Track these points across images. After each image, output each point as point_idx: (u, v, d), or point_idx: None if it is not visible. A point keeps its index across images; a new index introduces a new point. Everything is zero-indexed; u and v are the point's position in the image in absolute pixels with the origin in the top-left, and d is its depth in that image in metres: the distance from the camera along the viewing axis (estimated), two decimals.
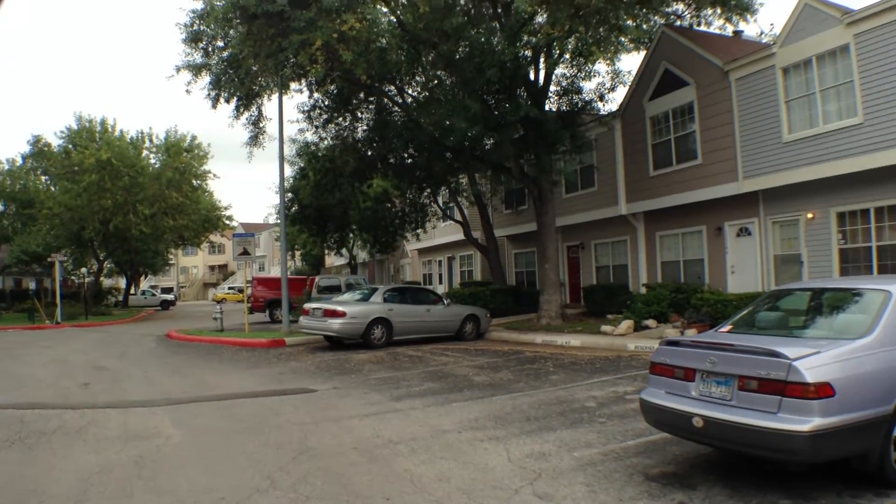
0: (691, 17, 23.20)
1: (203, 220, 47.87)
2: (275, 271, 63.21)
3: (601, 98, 23.50)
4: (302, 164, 35.14)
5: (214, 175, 64.85)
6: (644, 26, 19.35)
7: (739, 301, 16.64)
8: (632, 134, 23.84)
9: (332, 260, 63.25)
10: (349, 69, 18.55)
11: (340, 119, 27.03)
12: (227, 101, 23.15)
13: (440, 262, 43.10)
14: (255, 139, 25.59)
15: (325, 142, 29.27)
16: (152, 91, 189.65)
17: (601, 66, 28.67)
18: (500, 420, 9.26)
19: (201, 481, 6.85)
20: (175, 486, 6.73)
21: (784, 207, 18.74)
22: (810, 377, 5.32)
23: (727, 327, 7.38)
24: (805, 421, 5.28)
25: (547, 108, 22.53)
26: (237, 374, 15.03)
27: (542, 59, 22.02)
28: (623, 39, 19.08)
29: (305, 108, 26.46)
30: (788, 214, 18.65)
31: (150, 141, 44.08)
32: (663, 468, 6.81)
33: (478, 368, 14.60)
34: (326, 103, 26.02)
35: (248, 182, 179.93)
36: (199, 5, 21.04)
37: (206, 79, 22.56)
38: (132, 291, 60.67)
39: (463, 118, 19.45)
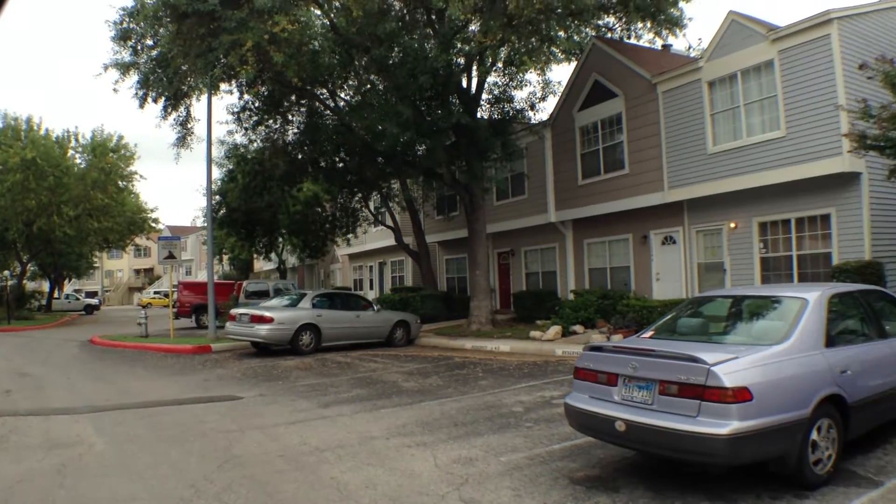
0: (622, 30, 23.69)
1: (128, 223, 46.59)
2: (202, 276, 62.08)
3: (532, 107, 23.78)
4: (231, 167, 34.55)
5: (141, 176, 63.18)
6: (575, 38, 19.62)
7: (664, 307, 16.99)
8: (562, 143, 24.18)
9: (261, 265, 62.31)
10: (280, 71, 18.36)
11: (271, 121, 26.66)
12: (155, 100, 22.61)
13: (371, 267, 42.91)
14: (182, 140, 25.03)
15: (255, 144, 28.85)
16: (79, 89, 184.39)
17: (532, 76, 29.05)
18: (428, 426, 9.27)
19: (124, 490, 6.73)
20: (97, 495, 6.60)
21: (708, 217, 19.26)
22: (728, 382, 5.47)
23: (649, 333, 7.53)
24: (724, 424, 5.42)
25: (479, 115, 22.66)
26: (162, 381, 14.76)
27: (474, 67, 22.17)
28: (555, 50, 19.33)
29: (235, 110, 26.01)
30: (712, 224, 19.17)
31: (77, 140, 42.72)
32: (588, 471, 6.90)
33: (407, 374, 14.59)
34: (257, 105, 25.64)
35: (176, 184, 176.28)
36: (130, 3, 20.52)
37: (134, 78, 21.98)
38: (56, 295, 58.67)
39: (395, 123, 19.43)
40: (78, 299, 61.18)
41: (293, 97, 25.42)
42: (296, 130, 27.40)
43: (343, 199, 34.51)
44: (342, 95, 25.66)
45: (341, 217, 36.56)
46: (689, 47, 25.56)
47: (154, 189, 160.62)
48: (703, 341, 6.93)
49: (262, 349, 19.81)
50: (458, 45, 20.34)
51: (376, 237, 38.50)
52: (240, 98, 25.37)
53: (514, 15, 17.06)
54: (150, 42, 21.67)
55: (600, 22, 22.65)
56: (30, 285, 57.96)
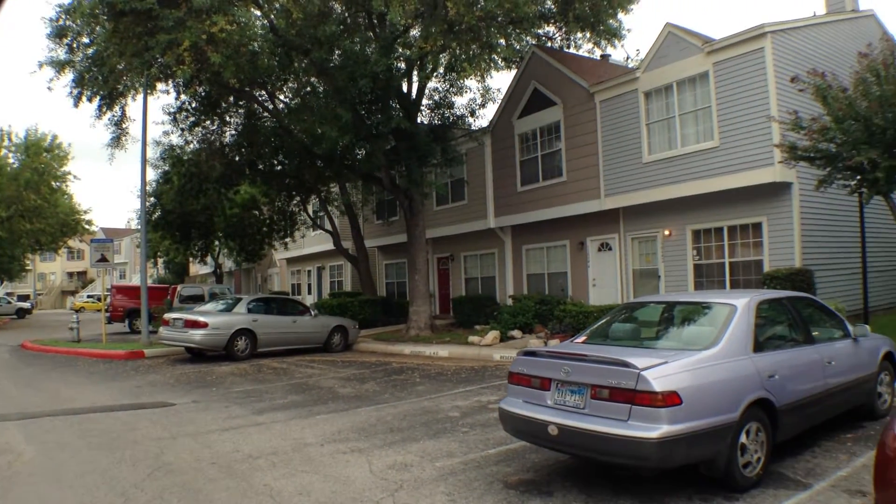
0: (562, 40, 23.99)
1: (61, 225, 45.41)
2: (137, 279, 60.66)
3: (472, 114, 23.92)
4: (166, 168, 33.88)
5: (75, 177, 61.63)
6: (516, 46, 19.79)
7: (600, 313, 17.16)
8: (501, 150, 24.34)
9: (196, 268, 61.28)
10: (218, 72, 18.09)
11: (208, 122, 26.26)
12: (90, 100, 22.08)
13: (310, 271, 42.52)
14: (117, 140, 24.50)
15: (192, 146, 28.30)
16: (13, 87, 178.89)
17: (473, 83, 29.15)
18: (363, 432, 9.21)
19: (53, 499, 6.62)
20: None
21: (643, 224, 19.60)
22: (658, 386, 5.54)
23: (582, 338, 7.60)
24: (654, 428, 5.50)
25: (419, 120, 22.69)
26: (93, 387, 14.43)
27: (415, 73, 22.18)
28: (495, 57, 19.45)
29: (171, 110, 25.52)
30: (647, 231, 19.51)
31: (10, 139, 41.54)
32: (522, 476, 6.93)
33: (344, 380, 14.48)
34: (194, 106, 25.23)
35: (111, 185, 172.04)
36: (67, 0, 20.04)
37: (69, 76, 21.47)
38: None
39: (334, 127, 19.30)
40: (10, 303, 59.19)
41: (231, 98, 25.10)
42: (233, 132, 27.10)
43: (281, 202, 34.22)
44: (281, 98, 25.41)
45: (279, 220, 36.19)
46: (628, 58, 26.12)
47: (88, 190, 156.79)
48: (634, 346, 7.04)
49: (196, 355, 19.46)
50: (399, 50, 20.33)
51: (315, 241, 38.17)
52: (176, 98, 24.97)
53: (455, 21, 17.12)
54: (86, 40, 21.19)
55: (541, 31, 22.92)
56: None
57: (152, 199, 34.76)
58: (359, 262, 29.64)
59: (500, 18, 17.91)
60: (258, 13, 20.38)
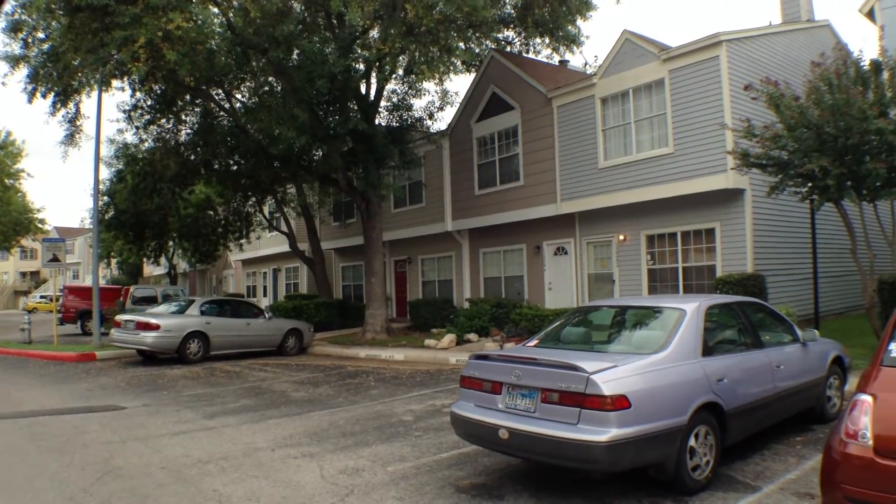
0: (521, 45, 24.09)
1: (14, 223, 44.56)
2: (90, 280, 59.66)
3: (431, 116, 23.88)
4: (120, 167, 33.36)
5: (28, 174, 60.52)
6: (476, 49, 19.83)
7: (555, 316, 17.21)
8: (459, 153, 24.37)
9: (150, 269, 60.41)
10: (173, 70, 17.87)
11: (163, 121, 25.85)
12: (45, 96, 21.63)
13: (265, 273, 42.12)
14: (71, 138, 24.08)
15: (146, 144, 27.89)
16: None
17: (431, 86, 29.14)
18: (315, 436, 9.12)
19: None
20: None
21: (598, 229, 19.75)
22: (607, 390, 5.55)
23: (534, 342, 7.60)
24: (603, 432, 5.51)
25: (378, 122, 22.60)
26: (43, 390, 14.15)
27: (374, 74, 22.07)
28: (454, 60, 19.47)
29: (126, 108, 25.11)
30: (602, 236, 19.67)
31: None
32: (473, 479, 6.91)
33: (297, 384, 14.35)
34: (149, 104, 24.82)
35: (65, 183, 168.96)
36: None
37: (24, 71, 21.04)
38: None
39: (291, 127, 19.15)
40: None
41: (187, 97, 24.75)
42: (189, 131, 26.75)
43: (236, 202, 33.84)
44: (238, 97, 25.15)
45: (234, 221, 35.77)
46: (586, 64, 26.30)
47: (42, 188, 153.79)
48: (585, 350, 7.07)
49: (148, 357, 19.13)
50: (358, 51, 20.23)
51: (270, 243, 37.83)
52: (132, 96, 24.57)
53: (414, 24, 17.11)
54: (41, 35, 20.78)
55: (500, 35, 23.01)
56: None
57: (106, 198, 34.27)
58: (315, 265, 29.41)
59: (459, 22, 17.93)
60: (216, 10, 20.15)
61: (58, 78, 20.76)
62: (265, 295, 41.45)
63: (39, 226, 49.30)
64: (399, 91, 23.51)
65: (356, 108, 21.53)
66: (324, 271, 29.63)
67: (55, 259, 23.27)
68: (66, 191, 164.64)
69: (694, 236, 17.55)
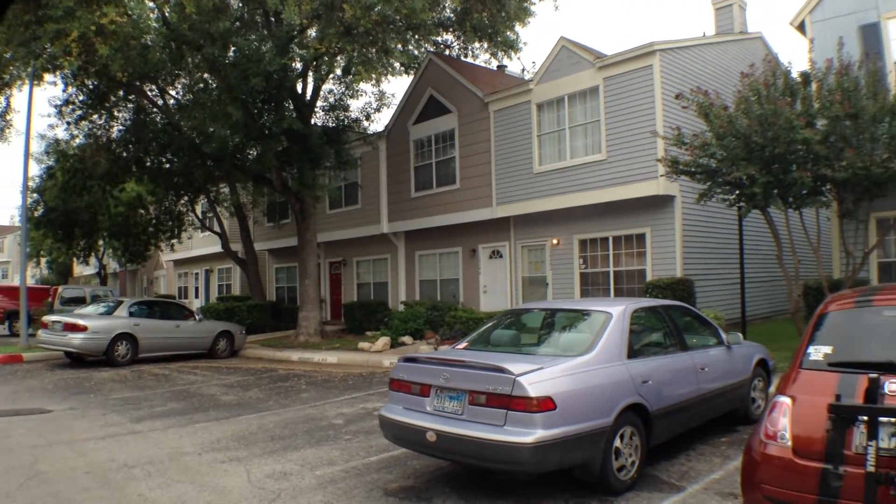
0: (459, 49, 24.14)
1: None
2: (19, 279, 57.85)
3: (368, 117, 23.67)
4: (51, 163, 32.40)
5: None
6: (414, 52, 19.80)
7: (490, 319, 17.31)
8: (396, 155, 24.31)
9: (80, 269, 58.81)
10: (106, 64, 17.45)
11: (95, 116, 25.15)
12: None
13: (197, 274, 41.33)
14: (0, 133, 23.39)
15: (78, 140, 27.12)
16: None
17: (368, 87, 28.99)
18: (243, 440, 9.01)
19: None
20: None
21: (533, 233, 19.93)
22: (533, 391, 5.60)
23: (464, 344, 7.62)
24: (528, 433, 5.55)
25: (313, 122, 22.38)
26: None
27: (310, 74, 21.88)
28: (392, 62, 19.43)
29: (58, 103, 24.38)
30: (536, 240, 19.86)
31: None
32: (402, 483, 6.89)
33: (227, 387, 14.13)
34: (81, 99, 24.13)
35: None
36: None
37: None
38: None
39: (225, 125, 18.89)
40: None
41: (120, 92, 24.15)
42: (121, 127, 26.07)
43: (168, 201, 33.07)
44: (172, 93, 24.66)
45: (166, 221, 34.97)
46: (524, 69, 26.52)
47: None
48: (513, 352, 7.10)
49: (75, 359, 18.61)
50: (295, 50, 20.02)
51: (203, 243, 37.13)
52: (64, 90, 23.86)
53: (352, 24, 17.03)
54: None
55: (439, 39, 23.00)
56: None
57: (35, 195, 33.22)
58: (248, 266, 28.99)
59: (397, 23, 17.90)
60: (151, 5, 19.72)
61: None
62: (197, 296, 40.67)
63: None
64: (336, 91, 23.33)
65: (292, 107, 21.33)
66: (257, 273, 29.23)
67: None
68: None
69: (625, 241, 17.85)
